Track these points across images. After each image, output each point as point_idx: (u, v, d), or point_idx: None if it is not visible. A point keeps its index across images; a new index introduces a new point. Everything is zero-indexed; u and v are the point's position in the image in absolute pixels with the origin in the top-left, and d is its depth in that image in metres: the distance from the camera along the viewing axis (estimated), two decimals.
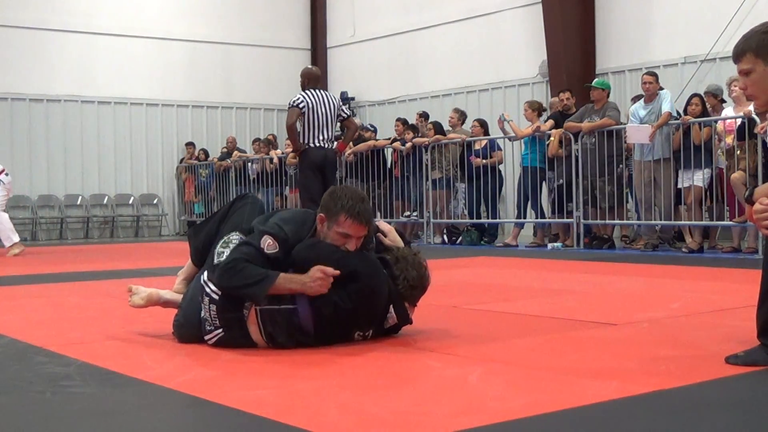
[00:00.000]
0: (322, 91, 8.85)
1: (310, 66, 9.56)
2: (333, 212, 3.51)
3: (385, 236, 3.81)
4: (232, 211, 3.87)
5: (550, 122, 10.56)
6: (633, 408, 2.52)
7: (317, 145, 8.71)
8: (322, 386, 2.88)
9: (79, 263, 9.13)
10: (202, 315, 3.53)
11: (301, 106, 8.61)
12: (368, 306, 3.53)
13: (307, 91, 8.73)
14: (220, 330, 3.48)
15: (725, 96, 9.59)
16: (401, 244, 3.82)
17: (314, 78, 8.95)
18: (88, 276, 7.43)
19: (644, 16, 12.61)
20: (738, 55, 3.12)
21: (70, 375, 3.10)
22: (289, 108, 8.75)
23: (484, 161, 11.25)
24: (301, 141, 8.72)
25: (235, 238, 3.64)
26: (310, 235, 3.58)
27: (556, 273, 7.24)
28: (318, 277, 3.37)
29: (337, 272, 3.39)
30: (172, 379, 3.01)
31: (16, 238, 10.88)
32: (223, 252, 3.57)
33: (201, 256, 3.83)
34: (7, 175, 10.97)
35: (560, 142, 10.27)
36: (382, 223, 3.92)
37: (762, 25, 3.13)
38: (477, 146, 11.44)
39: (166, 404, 2.75)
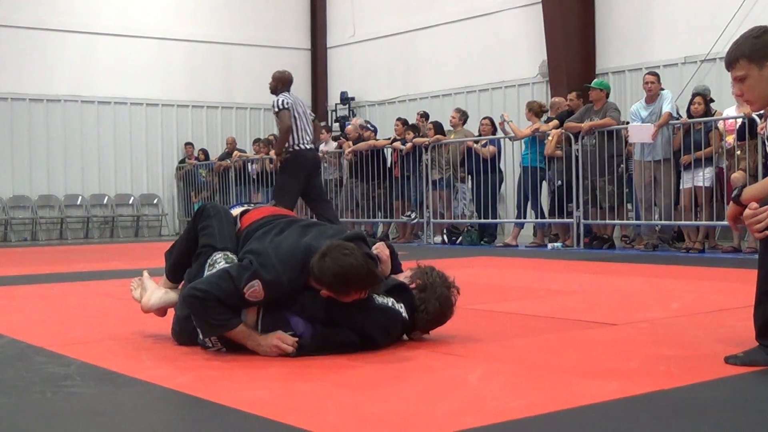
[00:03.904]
0: (293, 94, 8.83)
1: (282, 70, 9.28)
2: (344, 292, 3.25)
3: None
4: (200, 231, 3.65)
5: (554, 122, 10.54)
6: (633, 408, 2.52)
7: (307, 147, 8.68)
8: (322, 386, 2.88)
9: (79, 263, 9.13)
10: (200, 338, 3.45)
11: (290, 107, 8.58)
12: (375, 344, 3.44)
13: (286, 93, 8.70)
14: (222, 348, 3.41)
15: (727, 96, 9.58)
16: (388, 269, 3.63)
17: (289, 82, 8.90)
18: (88, 276, 7.43)
19: (644, 16, 12.61)
20: (731, 62, 3.12)
21: (70, 375, 3.10)
22: (280, 110, 8.61)
23: (484, 148, 11.17)
24: (291, 143, 8.66)
25: (219, 258, 3.50)
26: (303, 279, 3.31)
27: (556, 273, 7.24)
28: (274, 345, 3.26)
29: (295, 343, 3.26)
30: (172, 379, 3.01)
31: None
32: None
33: (175, 274, 3.76)
34: None
35: (560, 142, 10.27)
36: (380, 251, 3.63)
37: (752, 30, 3.13)
38: (481, 144, 11.42)
39: (166, 404, 2.75)
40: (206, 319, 3.29)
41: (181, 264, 3.73)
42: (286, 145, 8.69)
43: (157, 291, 3.78)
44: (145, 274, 3.94)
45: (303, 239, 3.42)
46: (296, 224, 3.63)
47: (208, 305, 3.24)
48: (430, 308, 3.52)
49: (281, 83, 8.85)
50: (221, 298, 3.24)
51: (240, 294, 3.24)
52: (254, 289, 3.24)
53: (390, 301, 3.44)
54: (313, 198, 9.03)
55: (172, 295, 3.73)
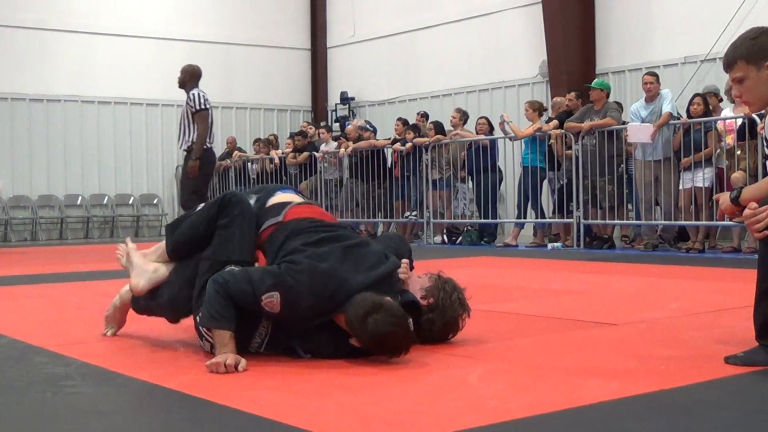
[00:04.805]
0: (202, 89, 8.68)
1: (192, 63, 9.10)
2: (376, 352, 3.20)
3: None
4: (219, 227, 3.50)
5: (555, 122, 10.54)
6: (633, 408, 2.52)
7: (211, 145, 8.63)
8: (322, 386, 2.88)
9: (79, 263, 9.13)
10: (203, 345, 3.41)
11: (209, 107, 8.47)
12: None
13: (199, 89, 8.58)
14: None
15: (723, 95, 9.60)
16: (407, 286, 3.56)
17: (199, 76, 8.77)
18: (88, 276, 7.43)
19: (644, 16, 12.61)
20: (729, 63, 3.12)
21: (70, 375, 3.10)
22: (202, 110, 8.47)
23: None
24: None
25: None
26: (324, 310, 3.22)
27: (556, 273, 7.24)
28: (217, 365, 3.09)
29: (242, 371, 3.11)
30: (172, 379, 3.01)
31: None
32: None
33: (178, 254, 3.64)
34: None
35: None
36: (404, 272, 3.52)
37: (749, 31, 3.13)
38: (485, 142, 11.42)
39: (166, 404, 2.75)
40: (208, 306, 3.20)
41: (190, 247, 3.58)
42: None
43: (144, 272, 3.65)
44: (131, 244, 3.83)
45: (341, 267, 3.28)
46: (339, 243, 3.43)
47: (219, 294, 3.18)
48: (434, 329, 3.51)
49: (191, 77, 8.68)
50: (235, 296, 3.18)
51: (256, 300, 3.18)
52: (272, 300, 3.17)
53: None
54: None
55: (162, 272, 3.63)
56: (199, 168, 8.55)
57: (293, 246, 3.38)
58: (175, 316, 3.69)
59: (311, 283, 3.20)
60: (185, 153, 8.78)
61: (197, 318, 3.38)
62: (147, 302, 3.70)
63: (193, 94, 8.55)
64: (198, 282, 3.44)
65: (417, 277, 3.61)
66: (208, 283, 3.27)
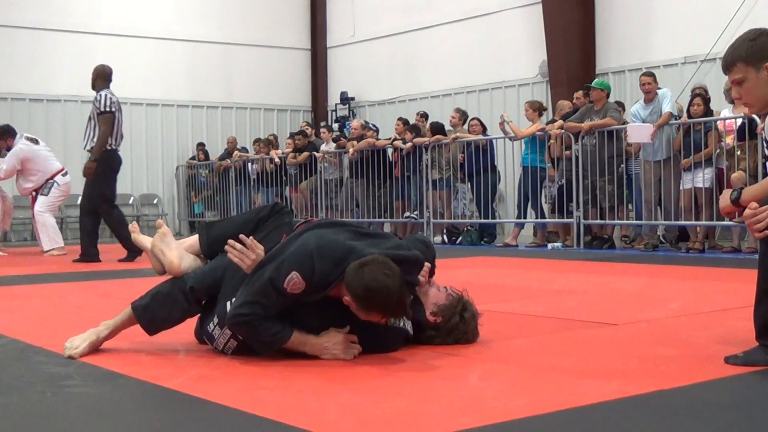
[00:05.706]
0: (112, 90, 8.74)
1: (103, 64, 9.09)
2: (366, 309, 3.10)
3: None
4: (268, 228, 3.51)
5: (560, 122, 10.51)
6: (633, 408, 2.52)
7: (117, 147, 8.64)
8: (322, 386, 2.88)
9: (79, 263, 9.11)
10: (215, 342, 3.39)
11: (116, 109, 8.51)
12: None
13: (108, 90, 8.58)
14: (229, 350, 3.37)
15: (723, 99, 9.59)
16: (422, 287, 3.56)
17: (109, 77, 8.76)
18: (88, 276, 7.43)
19: (644, 16, 12.61)
20: (728, 65, 3.12)
21: (70, 375, 3.10)
22: (106, 112, 8.49)
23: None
24: (109, 143, 8.58)
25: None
26: (333, 280, 3.15)
27: (556, 273, 7.24)
28: (339, 349, 3.20)
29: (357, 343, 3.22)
30: (172, 379, 3.01)
31: (59, 243, 10.56)
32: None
33: (213, 249, 3.57)
34: (64, 175, 10.82)
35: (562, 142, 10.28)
36: (423, 274, 3.50)
37: (747, 33, 3.14)
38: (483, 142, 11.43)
39: (166, 404, 2.75)
40: (257, 339, 3.20)
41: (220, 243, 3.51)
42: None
43: (186, 256, 3.55)
44: (165, 227, 3.67)
45: (352, 241, 3.27)
46: (351, 227, 3.50)
47: (256, 326, 3.17)
48: (435, 342, 3.51)
49: (101, 78, 8.68)
50: (267, 314, 3.16)
51: (284, 296, 3.14)
52: (294, 281, 3.11)
53: (402, 321, 3.41)
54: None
55: (199, 263, 3.58)
56: (97, 169, 8.60)
57: (302, 229, 3.42)
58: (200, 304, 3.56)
59: (318, 248, 3.16)
60: (88, 153, 8.82)
61: (208, 325, 3.39)
62: (171, 289, 3.47)
63: (101, 95, 8.62)
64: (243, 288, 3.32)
65: (437, 289, 3.59)
66: (231, 328, 3.25)
